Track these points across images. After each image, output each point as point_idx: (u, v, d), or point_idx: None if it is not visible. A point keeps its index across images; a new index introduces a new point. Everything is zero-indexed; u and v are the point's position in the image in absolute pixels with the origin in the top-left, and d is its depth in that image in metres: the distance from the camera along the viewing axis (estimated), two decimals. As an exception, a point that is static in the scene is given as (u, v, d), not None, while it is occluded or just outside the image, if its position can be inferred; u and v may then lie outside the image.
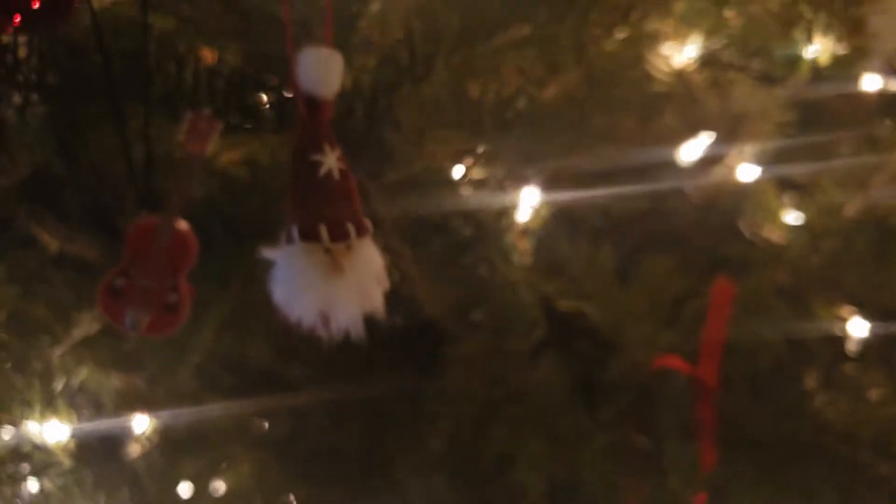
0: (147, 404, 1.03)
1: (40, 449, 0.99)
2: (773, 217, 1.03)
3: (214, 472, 1.07)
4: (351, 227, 0.50)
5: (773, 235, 1.01)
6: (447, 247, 0.91)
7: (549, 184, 0.98)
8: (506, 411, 0.83)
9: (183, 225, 0.67)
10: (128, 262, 0.66)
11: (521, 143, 0.87)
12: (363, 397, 1.00)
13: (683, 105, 1.03)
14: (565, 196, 0.98)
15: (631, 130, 1.03)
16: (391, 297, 0.93)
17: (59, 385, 1.00)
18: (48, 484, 0.97)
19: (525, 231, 0.98)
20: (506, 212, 0.95)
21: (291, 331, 0.99)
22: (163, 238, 0.64)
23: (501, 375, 0.88)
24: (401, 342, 0.99)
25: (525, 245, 0.98)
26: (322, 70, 0.48)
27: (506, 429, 0.80)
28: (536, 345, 0.93)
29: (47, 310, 0.88)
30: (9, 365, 0.94)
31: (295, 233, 0.49)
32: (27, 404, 0.96)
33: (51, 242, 0.94)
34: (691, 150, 0.98)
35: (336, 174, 0.49)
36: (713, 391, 0.71)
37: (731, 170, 1.04)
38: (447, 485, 0.91)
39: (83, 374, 0.99)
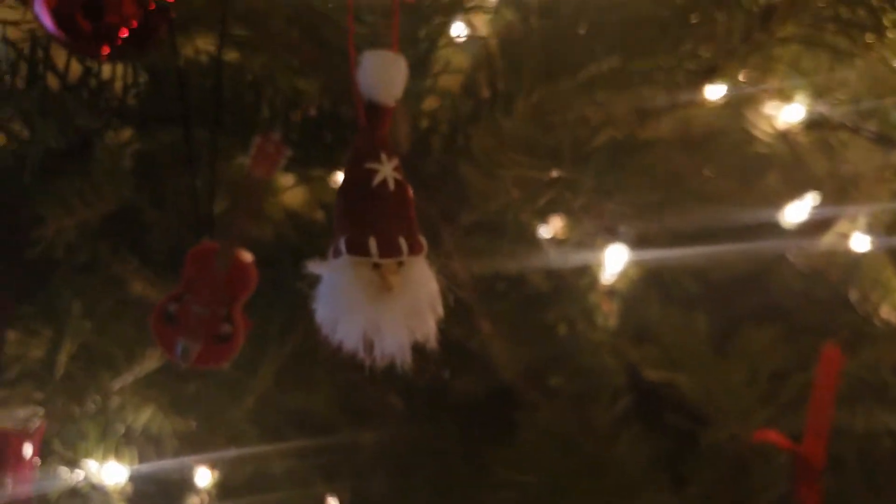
0: (205, 449, 1.00)
1: (97, 490, 0.97)
2: (889, 293, 0.93)
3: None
4: (403, 243, 0.45)
5: (889, 314, 0.91)
6: (525, 303, 0.85)
7: (638, 242, 0.92)
8: (581, 484, 0.75)
9: (243, 253, 0.64)
10: (184, 287, 0.63)
11: (607, 192, 0.82)
12: (429, 458, 0.94)
13: (788, 167, 0.96)
14: (656, 256, 0.91)
15: (730, 190, 0.97)
16: (462, 354, 0.89)
17: (120, 425, 0.98)
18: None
19: (611, 291, 0.92)
20: (590, 269, 0.89)
21: (357, 385, 0.96)
22: (220, 264, 0.62)
23: (578, 445, 0.81)
24: (471, 403, 0.93)
25: (611, 306, 0.92)
26: (384, 74, 0.45)
27: (580, 502, 0.72)
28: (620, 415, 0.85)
29: (116, 347, 0.87)
30: (73, 400, 0.93)
31: (342, 245, 0.45)
32: (88, 442, 0.94)
33: (134, 284, 0.94)
34: (796, 213, 0.90)
35: (391, 185, 0.45)
36: (818, 473, 0.62)
37: (843, 237, 0.95)
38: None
39: (145, 415, 0.97)
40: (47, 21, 0.64)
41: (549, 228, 0.85)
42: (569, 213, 0.88)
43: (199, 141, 0.66)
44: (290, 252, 0.81)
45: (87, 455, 0.94)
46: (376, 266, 0.44)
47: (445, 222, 0.70)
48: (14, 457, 0.90)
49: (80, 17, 0.65)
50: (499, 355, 0.86)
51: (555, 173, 0.67)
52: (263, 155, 0.60)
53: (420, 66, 0.59)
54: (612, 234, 0.91)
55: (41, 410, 0.91)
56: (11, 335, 0.93)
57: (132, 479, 0.97)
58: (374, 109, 0.45)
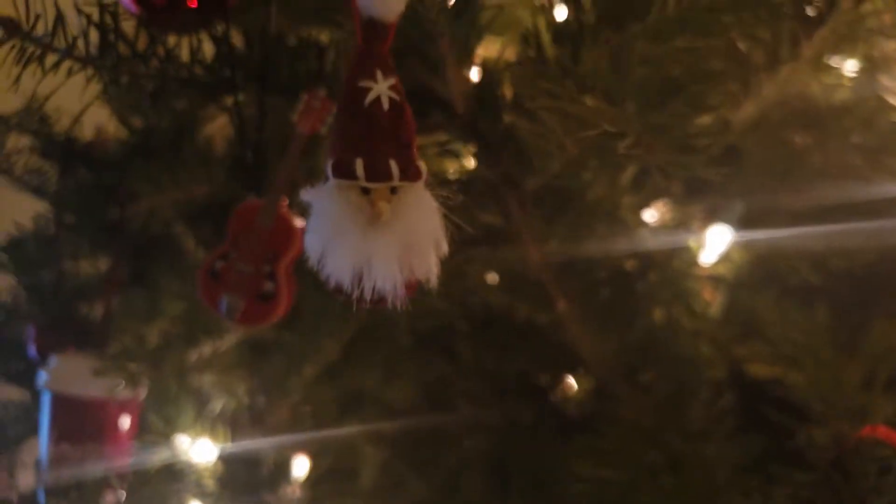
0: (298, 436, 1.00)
1: (190, 467, 0.98)
2: None
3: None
4: (395, 166, 0.41)
5: None
6: (610, 284, 0.78)
7: (747, 222, 0.82)
8: (665, 482, 0.67)
9: (289, 211, 0.62)
10: (229, 245, 0.62)
11: (704, 167, 0.74)
12: (507, 447, 0.88)
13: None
14: (768, 238, 0.81)
15: (857, 167, 0.85)
16: (540, 344, 0.84)
17: (216, 404, 1.00)
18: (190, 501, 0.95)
19: (713, 277, 0.83)
20: (689, 251, 0.81)
21: (438, 369, 0.92)
22: (264, 221, 0.60)
23: (665, 442, 0.73)
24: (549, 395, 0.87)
25: (712, 294, 0.83)
26: (381, -12, 0.41)
27: (660, 500, 0.64)
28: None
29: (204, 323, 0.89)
30: (170, 375, 0.95)
31: (330, 169, 0.42)
32: (183, 418, 0.96)
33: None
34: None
35: (385, 104, 0.42)
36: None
37: None
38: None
39: (238, 395, 0.98)
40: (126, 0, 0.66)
41: (639, 204, 0.78)
42: (661, 191, 0.81)
43: (247, 103, 0.66)
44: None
45: (181, 431, 0.95)
46: (365, 192, 0.41)
47: (510, 189, 0.66)
48: (112, 428, 0.94)
49: (151, -11, 0.66)
50: (579, 341, 0.79)
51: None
52: (310, 111, 0.59)
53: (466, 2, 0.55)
54: (714, 213, 0.82)
55: (141, 383, 0.94)
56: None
57: (223, 459, 0.98)
58: (372, 25, 0.42)
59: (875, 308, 0.81)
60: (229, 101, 0.69)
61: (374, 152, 0.41)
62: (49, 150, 1.03)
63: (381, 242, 0.40)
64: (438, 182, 0.59)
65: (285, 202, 0.62)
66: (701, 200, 0.82)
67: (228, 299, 0.61)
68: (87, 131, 1.06)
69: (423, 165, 0.42)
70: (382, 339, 0.86)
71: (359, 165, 0.41)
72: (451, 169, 0.70)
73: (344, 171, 0.41)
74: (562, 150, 0.58)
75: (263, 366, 0.85)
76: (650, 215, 0.81)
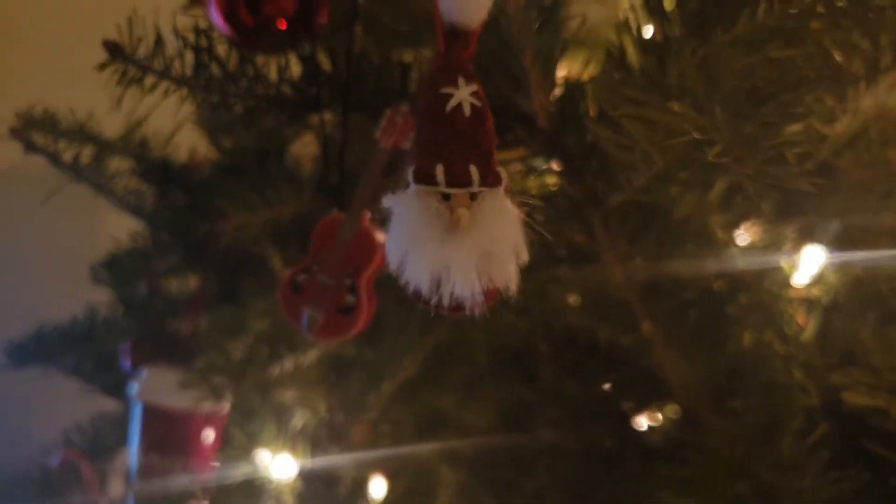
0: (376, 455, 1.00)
1: (271, 483, 1.00)
2: None
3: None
4: (475, 172, 0.41)
5: None
6: (698, 306, 0.76)
7: (841, 243, 0.79)
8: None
9: (370, 225, 0.63)
10: (311, 259, 0.63)
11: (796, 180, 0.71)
12: (586, 474, 0.86)
13: None
14: (863, 259, 0.78)
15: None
16: (624, 368, 0.81)
17: (298, 420, 1.01)
18: (271, 518, 0.96)
19: (808, 300, 0.79)
20: (782, 272, 0.77)
21: (516, 391, 0.91)
22: (345, 235, 0.61)
23: (755, 473, 0.69)
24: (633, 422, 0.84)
25: (805, 319, 0.79)
26: (465, -6, 0.41)
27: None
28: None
29: (285, 340, 0.90)
30: (254, 390, 0.97)
31: (411, 175, 0.42)
32: (265, 432, 0.98)
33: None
34: None
35: (467, 110, 0.42)
36: None
37: None
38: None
39: (319, 412, 0.99)
40: (219, 22, 0.69)
41: (729, 223, 0.76)
42: (753, 210, 0.78)
43: (332, 122, 0.67)
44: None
45: (263, 445, 0.97)
46: (445, 198, 0.40)
47: (593, 205, 0.64)
48: (197, 440, 0.96)
49: (243, 11, 0.69)
50: (665, 364, 0.77)
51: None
52: (392, 126, 0.59)
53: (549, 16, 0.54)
54: (808, 232, 0.79)
55: (225, 397, 0.96)
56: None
57: (302, 475, 0.99)
58: (454, 32, 0.42)
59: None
60: (315, 119, 0.70)
61: (454, 158, 0.41)
62: (147, 172, 1.08)
63: (460, 249, 0.40)
64: (522, 199, 0.59)
65: (367, 216, 0.63)
66: (794, 220, 0.79)
67: (309, 312, 0.61)
68: (182, 154, 1.11)
69: (503, 172, 0.42)
70: (461, 359, 0.86)
71: (439, 171, 0.40)
72: (534, 186, 0.69)
73: (424, 177, 0.41)
74: (647, 163, 0.57)
75: (343, 382, 0.85)
76: (741, 234, 0.78)
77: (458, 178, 0.41)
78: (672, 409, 0.87)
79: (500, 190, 0.42)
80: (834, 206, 0.80)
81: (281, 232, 0.98)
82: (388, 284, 0.72)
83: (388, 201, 0.42)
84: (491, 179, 0.41)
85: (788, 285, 0.76)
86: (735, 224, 0.78)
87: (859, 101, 0.72)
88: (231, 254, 0.98)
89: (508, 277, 0.41)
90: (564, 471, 0.92)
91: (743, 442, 0.73)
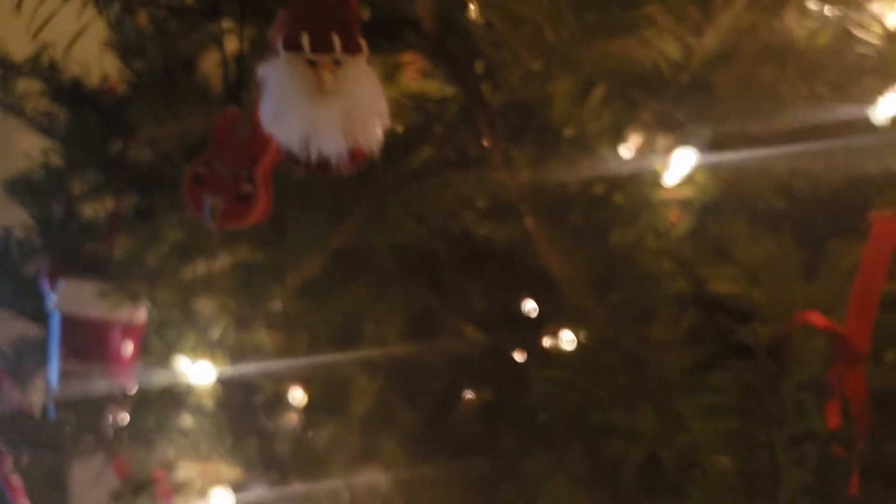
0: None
1: (191, 390, 1.04)
2: None
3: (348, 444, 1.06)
4: (337, 40, 0.46)
5: None
6: (582, 210, 0.83)
7: (711, 147, 0.86)
8: (619, 381, 0.71)
9: (265, 119, 0.67)
10: (211, 153, 0.68)
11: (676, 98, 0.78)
12: (492, 377, 0.93)
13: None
14: (732, 162, 0.85)
15: (824, 98, 0.88)
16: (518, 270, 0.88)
17: (216, 330, 1.05)
18: (189, 421, 1.01)
19: (680, 200, 0.86)
20: (654, 175, 0.84)
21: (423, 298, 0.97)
22: (242, 128, 0.65)
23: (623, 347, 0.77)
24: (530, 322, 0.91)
25: (678, 216, 0.86)
26: None
27: (614, 398, 0.69)
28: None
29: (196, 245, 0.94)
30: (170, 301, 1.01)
31: (279, 44, 0.46)
32: (184, 342, 1.02)
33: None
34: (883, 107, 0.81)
35: (328, -17, 0.46)
36: (862, 356, 0.55)
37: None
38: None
39: (235, 320, 1.03)
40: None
41: (606, 127, 0.82)
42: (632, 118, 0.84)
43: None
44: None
45: (182, 354, 1.01)
46: (311, 63, 0.45)
47: (478, 108, 0.70)
48: (115, 348, 1.00)
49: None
50: (551, 262, 0.84)
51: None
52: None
53: None
54: (680, 137, 0.86)
55: (142, 306, 1.00)
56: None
57: (222, 382, 1.04)
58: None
59: (837, 230, 0.84)
60: (214, 27, 0.74)
61: (318, 28, 0.45)
62: (58, 95, 1.09)
63: (325, 110, 0.45)
64: (413, 103, 0.64)
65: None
66: (667, 124, 0.86)
67: (210, 200, 0.66)
68: (94, 77, 1.12)
69: (363, 43, 0.46)
70: (366, 263, 0.91)
71: (304, 39, 0.45)
72: (424, 90, 0.74)
73: (291, 45, 0.46)
74: (518, 61, 0.62)
75: (252, 284, 0.90)
76: (618, 138, 0.85)
77: (321, 45, 0.46)
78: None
79: (362, 59, 0.47)
80: (705, 114, 0.87)
81: (192, 146, 1.01)
82: (292, 188, 0.77)
83: (260, 70, 0.47)
84: (352, 48, 0.46)
85: (660, 186, 0.83)
86: (612, 127, 0.84)
87: (721, 15, 0.78)
88: (145, 170, 1.01)
89: (372, 139, 0.46)
90: (472, 375, 0.99)
91: (617, 325, 0.80)
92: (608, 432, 0.70)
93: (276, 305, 0.87)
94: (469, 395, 1.05)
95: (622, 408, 0.70)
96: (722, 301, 0.81)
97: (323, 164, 0.46)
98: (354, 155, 0.47)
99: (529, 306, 0.93)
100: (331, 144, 0.46)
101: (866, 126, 0.84)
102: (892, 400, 0.65)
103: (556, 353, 0.78)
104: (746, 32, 0.88)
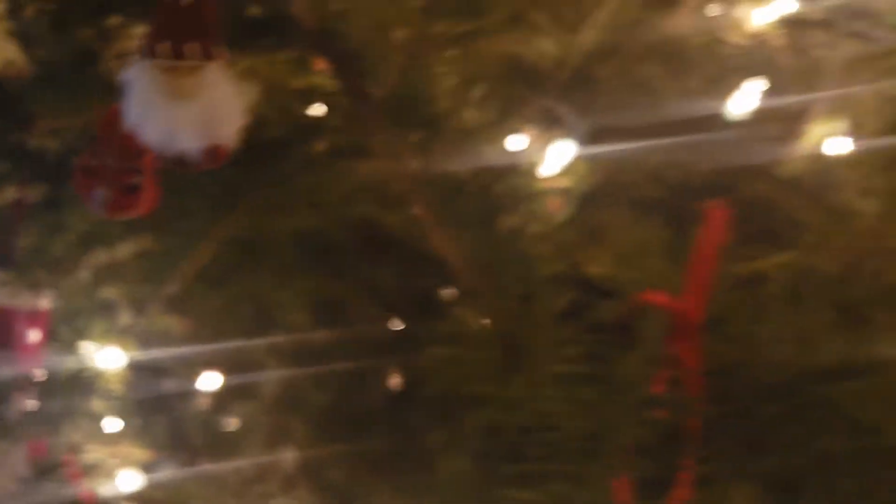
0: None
1: (100, 375, 1.07)
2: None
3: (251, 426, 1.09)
4: (196, 48, 0.50)
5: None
6: (467, 198, 0.88)
7: (590, 139, 0.92)
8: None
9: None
10: (100, 145, 0.71)
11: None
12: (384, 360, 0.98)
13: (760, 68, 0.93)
14: (609, 153, 0.91)
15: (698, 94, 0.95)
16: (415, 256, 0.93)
17: (125, 317, 1.07)
18: (99, 404, 1.03)
19: (559, 189, 0.92)
20: (533, 165, 0.90)
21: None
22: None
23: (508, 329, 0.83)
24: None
25: (558, 204, 0.92)
26: None
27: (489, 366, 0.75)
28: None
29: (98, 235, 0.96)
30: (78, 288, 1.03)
31: (142, 51, 0.50)
32: (92, 328, 1.04)
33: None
34: (747, 103, 0.88)
35: (188, -1, 0.50)
36: (697, 328, 0.62)
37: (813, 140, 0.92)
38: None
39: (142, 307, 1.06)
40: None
41: (489, 120, 0.87)
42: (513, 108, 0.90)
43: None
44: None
45: (90, 340, 1.03)
46: (170, 70, 0.49)
47: (360, 101, 0.74)
48: (21, 335, 1.02)
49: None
50: (442, 247, 0.89)
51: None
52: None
53: None
54: (560, 129, 0.91)
55: (48, 293, 1.02)
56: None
57: (131, 368, 1.06)
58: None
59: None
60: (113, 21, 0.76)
61: (178, 36, 0.49)
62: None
63: (184, 112, 0.48)
64: (298, 97, 0.68)
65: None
66: (548, 118, 0.92)
67: (100, 191, 0.69)
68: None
69: (222, 49, 0.50)
70: (266, 250, 0.95)
71: (163, 47, 0.49)
72: (309, 84, 0.78)
73: (151, 52, 0.49)
74: (392, 55, 0.67)
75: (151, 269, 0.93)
76: (502, 131, 0.90)
77: (179, 53, 0.49)
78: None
79: (219, 64, 0.51)
80: (585, 107, 0.93)
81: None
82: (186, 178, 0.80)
83: (123, 75, 0.50)
84: (210, 54, 0.50)
85: (540, 176, 0.88)
86: (499, 122, 0.89)
87: (595, 14, 0.84)
88: (51, 160, 1.02)
89: (230, 137, 0.50)
90: (381, 358, 1.03)
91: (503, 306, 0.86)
92: (485, 403, 0.76)
93: (175, 291, 0.91)
94: (376, 375, 1.10)
95: (498, 381, 0.75)
96: (595, 282, 0.87)
97: (183, 161, 0.50)
98: (215, 152, 0.51)
99: (429, 288, 0.98)
100: (189, 143, 0.49)
101: (731, 119, 0.91)
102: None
103: (448, 332, 0.83)
104: (625, 31, 0.94)
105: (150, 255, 0.94)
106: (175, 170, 0.51)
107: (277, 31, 0.72)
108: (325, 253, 1.02)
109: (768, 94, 0.91)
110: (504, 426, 0.76)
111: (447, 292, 0.98)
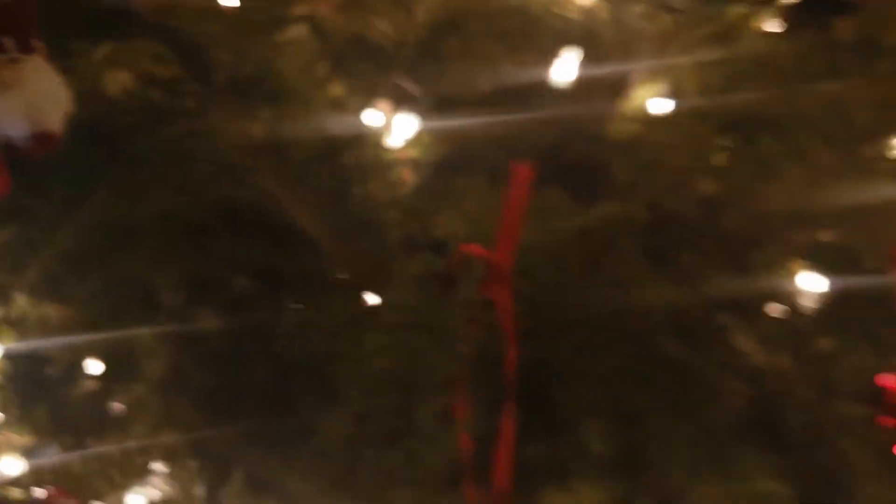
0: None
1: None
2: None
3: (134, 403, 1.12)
4: (10, 42, 0.54)
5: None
6: (319, 169, 0.93)
7: (437, 111, 0.99)
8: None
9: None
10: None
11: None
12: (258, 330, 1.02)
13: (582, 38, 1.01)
14: (453, 125, 0.98)
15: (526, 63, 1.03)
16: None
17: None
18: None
19: (408, 159, 0.99)
20: (382, 136, 0.96)
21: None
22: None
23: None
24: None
25: (407, 173, 0.99)
26: None
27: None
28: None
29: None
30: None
31: (-40, 45, 0.54)
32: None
33: None
34: (567, 71, 0.96)
35: (11, -2, 0.54)
36: (508, 276, 0.70)
37: (637, 100, 1.01)
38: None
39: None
40: None
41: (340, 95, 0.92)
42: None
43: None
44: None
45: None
46: (-6, 62, 0.53)
47: (202, 83, 0.79)
48: None
49: None
50: (301, 220, 0.94)
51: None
52: None
53: None
54: (407, 102, 0.98)
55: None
56: None
57: (9, 357, 1.08)
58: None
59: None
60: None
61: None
62: None
63: (7, 104, 0.53)
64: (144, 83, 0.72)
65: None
66: (395, 93, 0.98)
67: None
68: None
69: (39, 43, 0.55)
70: (132, 235, 0.98)
71: (-17, 42, 0.53)
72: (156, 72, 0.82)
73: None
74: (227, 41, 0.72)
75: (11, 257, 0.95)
76: (352, 106, 0.96)
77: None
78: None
79: (37, 56, 0.55)
80: (431, 80, 1.00)
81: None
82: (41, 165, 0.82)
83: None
84: (27, 48, 0.55)
85: (388, 147, 0.95)
86: (348, 98, 0.95)
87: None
88: None
89: (52, 123, 0.55)
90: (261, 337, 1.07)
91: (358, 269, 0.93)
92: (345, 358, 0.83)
93: (41, 278, 0.93)
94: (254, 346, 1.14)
95: (352, 338, 0.82)
96: (443, 243, 0.95)
97: (13, 147, 0.55)
98: (43, 138, 0.55)
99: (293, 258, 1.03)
100: (15, 130, 0.54)
101: (562, 87, 0.99)
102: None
103: (313, 297, 0.89)
104: (461, 9, 1.01)
105: (8, 242, 0.95)
106: (8, 156, 0.55)
107: (122, 23, 0.75)
108: (193, 234, 1.05)
109: (594, 62, 1.00)
110: (360, 378, 0.83)
111: (310, 261, 1.03)
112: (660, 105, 0.98)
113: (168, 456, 1.13)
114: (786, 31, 0.79)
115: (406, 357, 0.73)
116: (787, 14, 0.79)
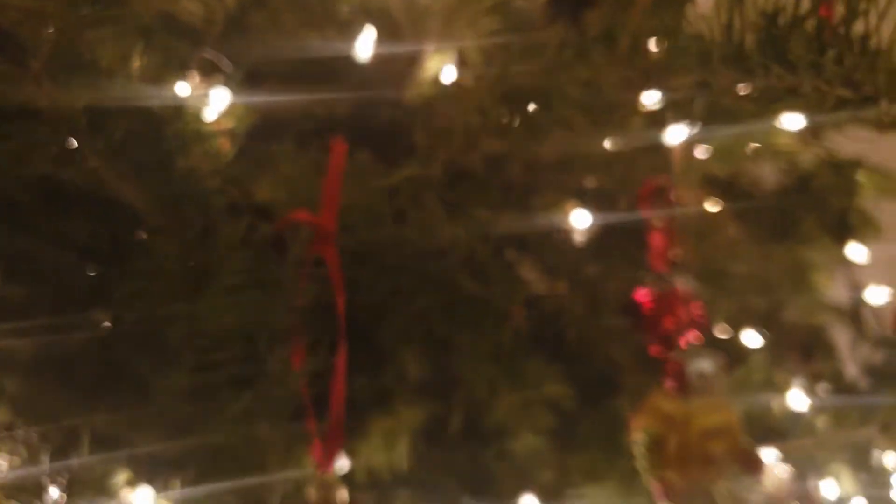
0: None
1: None
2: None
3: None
4: None
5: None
6: (138, 141, 0.98)
7: (246, 85, 1.06)
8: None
9: None
10: None
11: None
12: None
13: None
14: (261, 97, 1.06)
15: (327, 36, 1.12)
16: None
17: None
18: None
19: (226, 130, 1.06)
20: (197, 109, 1.03)
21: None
22: None
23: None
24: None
25: (225, 143, 1.06)
26: None
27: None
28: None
29: None
30: None
31: None
32: None
33: None
34: (366, 44, 1.07)
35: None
36: (332, 236, 0.81)
37: (430, 70, 1.13)
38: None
39: None
40: None
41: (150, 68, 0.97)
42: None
43: None
44: None
45: None
46: None
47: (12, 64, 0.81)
48: None
49: None
50: (124, 193, 0.99)
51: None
52: None
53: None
54: (218, 76, 1.05)
55: None
56: None
57: None
58: None
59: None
60: None
61: None
62: None
63: None
64: None
65: None
66: (208, 67, 1.04)
67: None
68: None
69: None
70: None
71: None
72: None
73: None
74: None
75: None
76: (167, 80, 1.01)
77: None
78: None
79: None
80: (241, 54, 1.06)
81: None
82: None
83: None
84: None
85: (204, 119, 1.02)
86: (162, 72, 1.00)
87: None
88: None
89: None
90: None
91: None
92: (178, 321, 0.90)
93: None
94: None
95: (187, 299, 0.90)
96: (266, 207, 1.04)
97: None
98: None
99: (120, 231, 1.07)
100: None
101: (362, 59, 1.10)
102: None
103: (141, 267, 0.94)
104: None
105: None
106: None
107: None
108: (13, 213, 1.06)
109: (389, 36, 1.12)
110: (197, 337, 0.91)
111: (137, 232, 1.08)
112: (449, 74, 1.12)
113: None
114: (545, 23, 0.95)
115: (244, 314, 0.82)
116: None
